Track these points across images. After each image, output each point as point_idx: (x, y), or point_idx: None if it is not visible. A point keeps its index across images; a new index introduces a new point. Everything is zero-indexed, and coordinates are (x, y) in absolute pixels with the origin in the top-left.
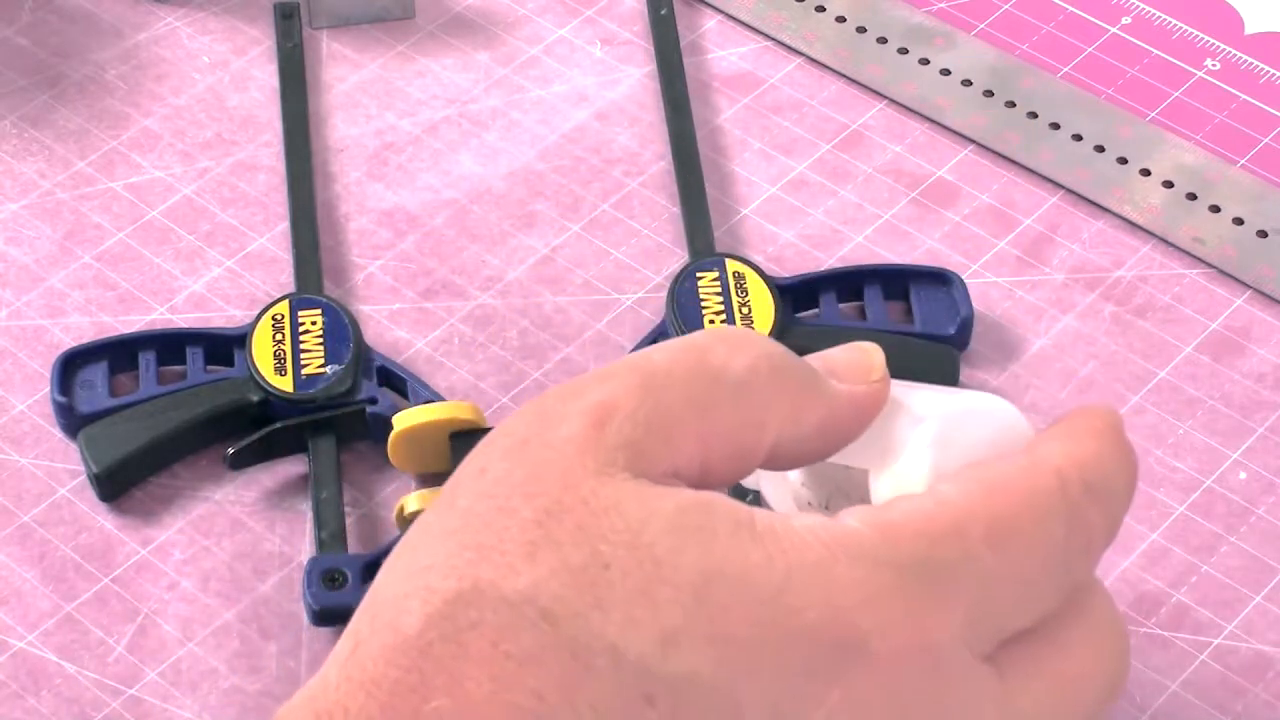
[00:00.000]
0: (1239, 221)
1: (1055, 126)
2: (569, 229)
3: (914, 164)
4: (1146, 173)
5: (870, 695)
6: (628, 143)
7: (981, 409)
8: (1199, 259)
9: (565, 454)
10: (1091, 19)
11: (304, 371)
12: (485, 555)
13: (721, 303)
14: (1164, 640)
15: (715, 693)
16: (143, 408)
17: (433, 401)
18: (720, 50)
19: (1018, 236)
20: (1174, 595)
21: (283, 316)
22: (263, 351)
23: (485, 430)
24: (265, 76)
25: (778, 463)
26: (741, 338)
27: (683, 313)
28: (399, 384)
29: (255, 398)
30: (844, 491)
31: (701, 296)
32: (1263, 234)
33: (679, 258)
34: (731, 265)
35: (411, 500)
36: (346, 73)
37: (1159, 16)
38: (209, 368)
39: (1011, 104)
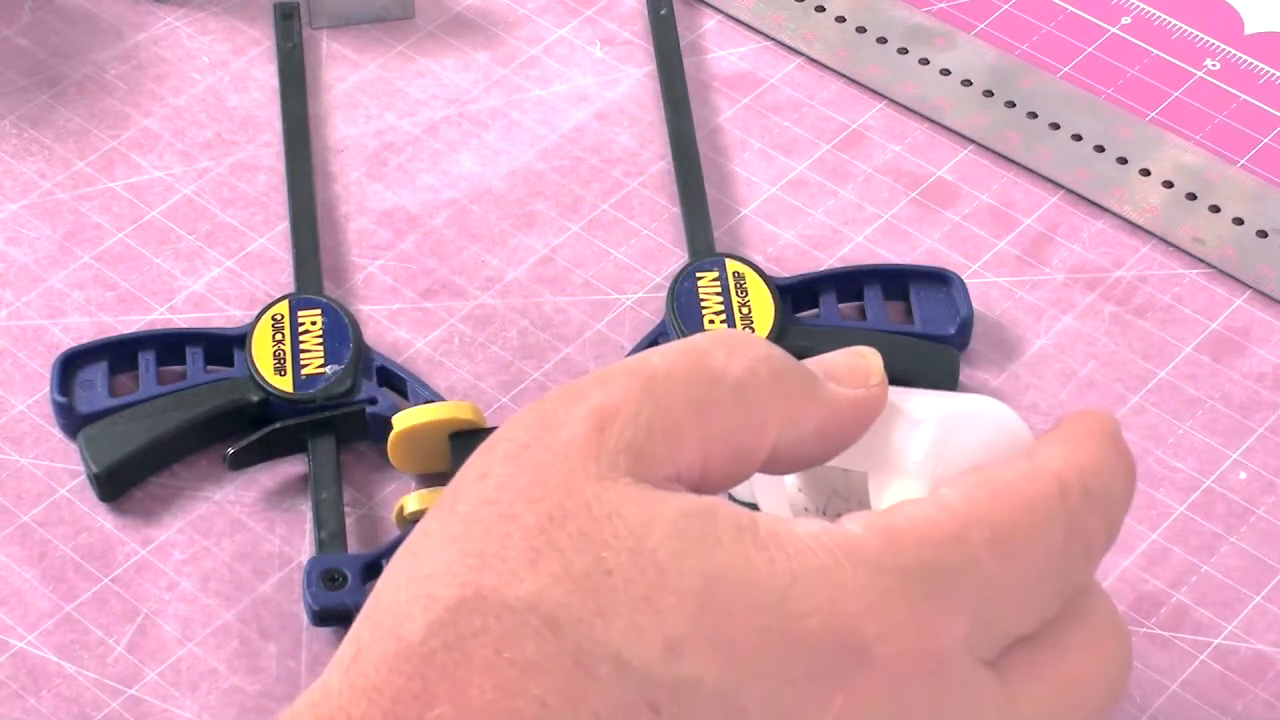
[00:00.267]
0: (1239, 221)
1: (1055, 126)
2: (569, 229)
3: (914, 164)
4: (1146, 173)
5: (873, 700)
6: (628, 143)
7: (978, 412)
8: (1199, 259)
9: (567, 458)
10: (1091, 19)
11: (304, 371)
12: (487, 562)
13: (721, 303)
14: (1164, 640)
15: (719, 699)
16: (143, 408)
17: (433, 401)
18: (720, 50)
19: (1018, 236)
20: (1174, 595)
21: (282, 316)
22: (262, 351)
23: (485, 430)
24: (265, 76)
25: (777, 466)
26: (740, 341)
27: (683, 313)
28: (399, 384)
29: (255, 398)
30: (842, 496)
31: (701, 296)
32: (1263, 234)
33: (679, 258)
34: (731, 265)
35: (411, 500)
36: (346, 73)
37: (1159, 16)
38: (209, 368)
39: (1011, 104)
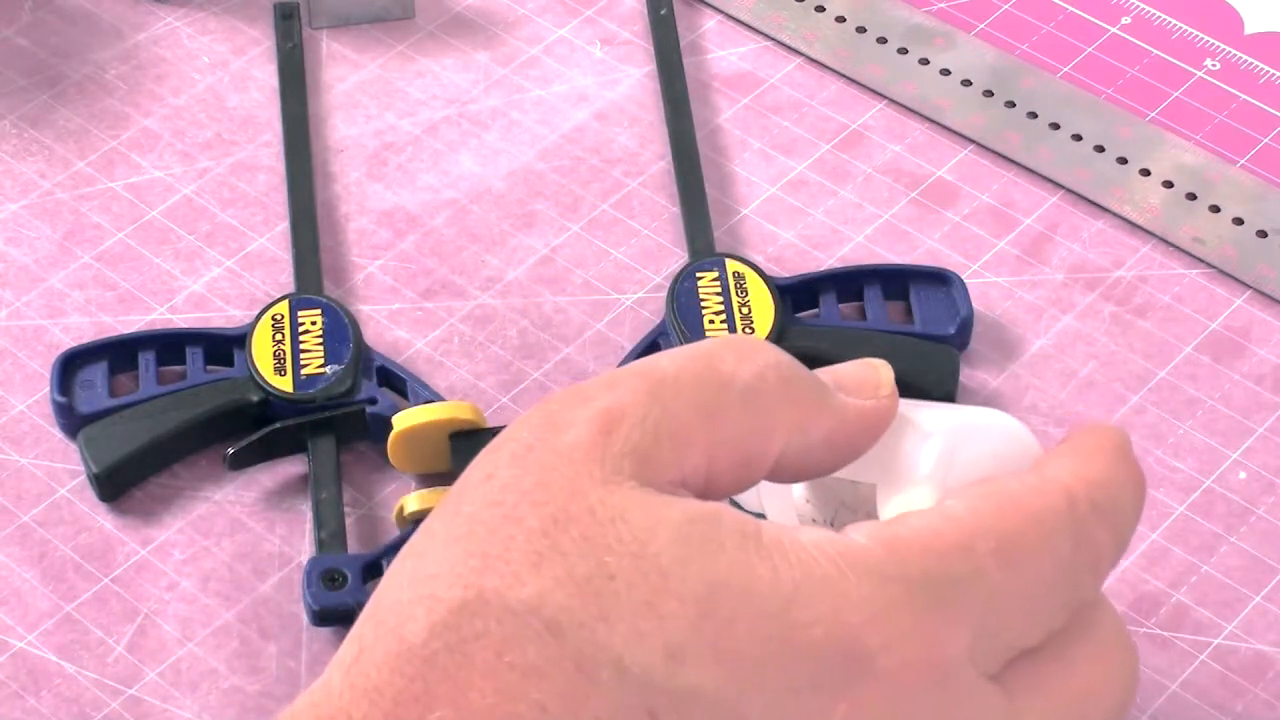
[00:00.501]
0: (1239, 221)
1: (1055, 126)
2: (569, 229)
3: (914, 164)
4: (1146, 173)
5: (876, 711)
6: (627, 143)
7: (988, 424)
8: (1199, 259)
9: (572, 460)
10: (1091, 19)
11: (304, 371)
12: (490, 564)
13: (721, 303)
14: (1164, 640)
15: (719, 707)
16: (143, 408)
17: (432, 401)
18: (720, 50)
19: (1017, 236)
20: (1174, 595)
21: (282, 316)
22: (262, 351)
23: (485, 430)
24: (265, 77)
25: (783, 474)
26: (750, 346)
27: (683, 313)
28: (399, 384)
29: (255, 398)
30: (850, 508)
31: (701, 296)
32: (1263, 234)
33: (679, 258)
34: (731, 265)
35: (411, 500)
36: (346, 73)
37: (1159, 16)
38: (209, 368)
39: (1011, 104)
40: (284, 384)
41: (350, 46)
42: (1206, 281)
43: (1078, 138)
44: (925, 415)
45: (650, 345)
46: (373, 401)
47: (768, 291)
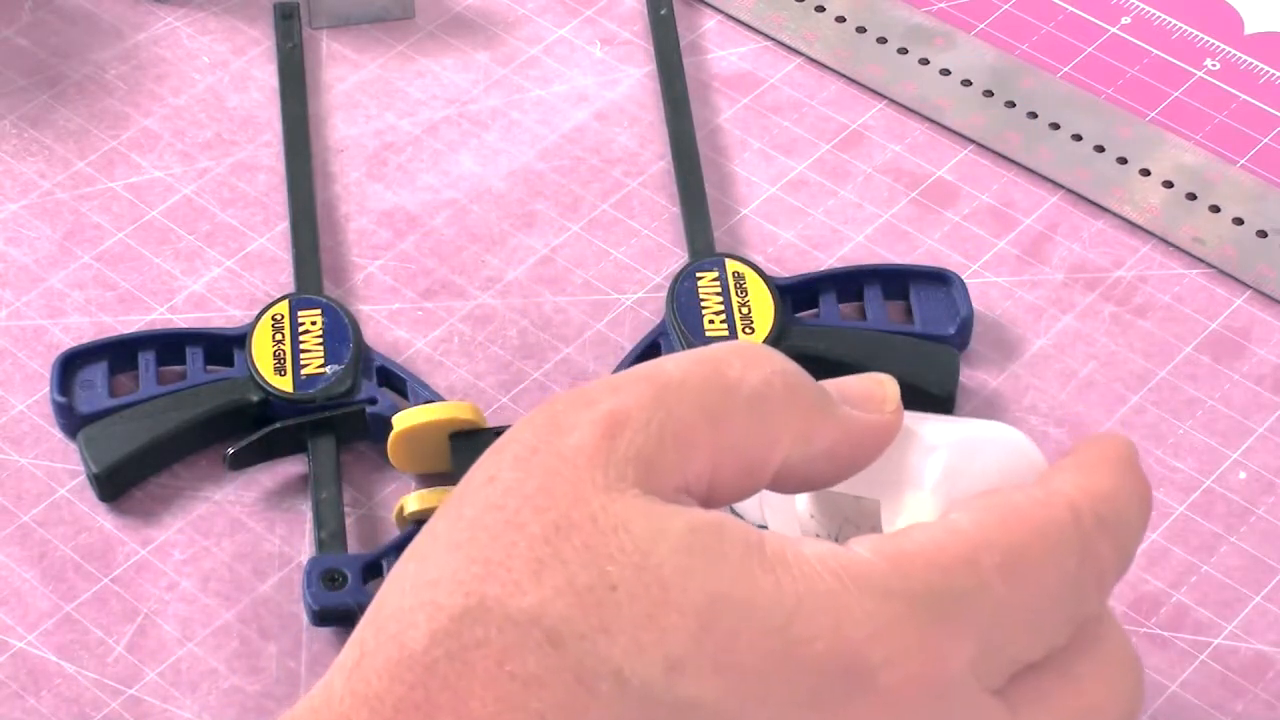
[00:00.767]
0: (1239, 221)
1: (1055, 126)
2: (569, 229)
3: (914, 164)
4: (1146, 173)
5: None
6: (627, 143)
7: (992, 438)
8: (1199, 259)
9: (575, 465)
10: (1091, 19)
11: (304, 371)
12: (492, 571)
13: (721, 303)
14: (1164, 640)
15: None
16: (143, 408)
17: (432, 401)
18: (720, 50)
19: (1017, 236)
20: (1174, 595)
21: (282, 316)
22: (262, 351)
23: (485, 430)
24: (265, 77)
25: (785, 483)
26: (757, 353)
27: (682, 313)
28: (399, 384)
29: (255, 398)
30: (854, 523)
31: (701, 296)
32: (1263, 234)
33: (679, 258)
34: (731, 265)
35: (411, 500)
36: (346, 73)
37: (1159, 16)
38: (209, 368)
39: (1011, 104)
40: (284, 384)
41: (350, 46)
42: (1206, 281)
43: (1078, 138)
44: (930, 428)
45: (650, 345)
46: (373, 401)
47: (768, 291)
